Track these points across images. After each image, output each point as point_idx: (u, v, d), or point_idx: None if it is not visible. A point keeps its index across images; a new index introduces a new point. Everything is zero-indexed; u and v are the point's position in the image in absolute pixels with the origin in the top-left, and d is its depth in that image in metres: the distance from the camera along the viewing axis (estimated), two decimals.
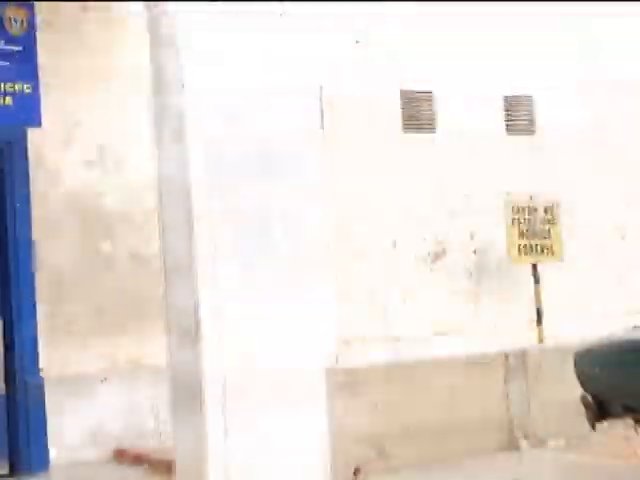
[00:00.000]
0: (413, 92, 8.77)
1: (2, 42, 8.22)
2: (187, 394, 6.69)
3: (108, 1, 8.55)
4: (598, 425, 6.39)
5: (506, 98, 9.09)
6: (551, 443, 7.74)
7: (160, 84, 6.98)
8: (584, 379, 6.39)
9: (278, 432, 6.69)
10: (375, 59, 8.46)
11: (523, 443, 7.68)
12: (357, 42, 8.38)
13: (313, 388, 6.92)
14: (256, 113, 6.91)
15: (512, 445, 7.63)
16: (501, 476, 6.91)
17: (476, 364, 7.66)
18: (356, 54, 8.38)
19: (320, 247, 7.08)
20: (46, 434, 8.14)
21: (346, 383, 7.09)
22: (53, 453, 8.17)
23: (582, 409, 6.41)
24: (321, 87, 7.51)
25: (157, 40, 6.99)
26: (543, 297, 8.75)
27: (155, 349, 8.17)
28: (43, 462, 8.09)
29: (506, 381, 7.75)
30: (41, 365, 8.20)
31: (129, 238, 8.63)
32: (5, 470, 8.07)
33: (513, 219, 8.64)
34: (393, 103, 8.62)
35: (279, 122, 7.00)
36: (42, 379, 8.19)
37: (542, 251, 8.75)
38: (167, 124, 6.88)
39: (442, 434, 7.41)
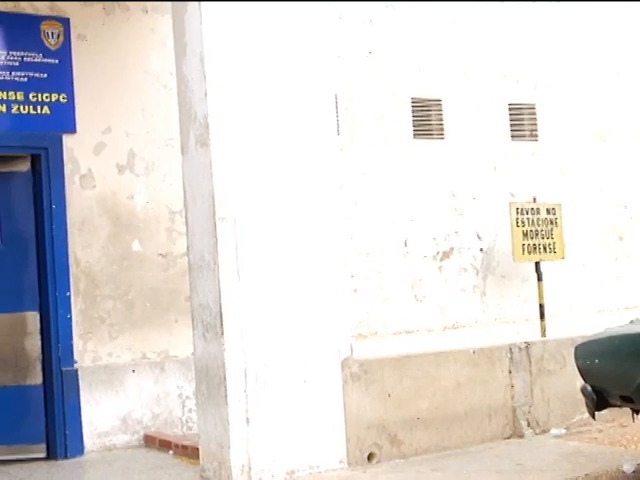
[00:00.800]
0: (423, 100, 8.76)
1: (40, 55, 8.20)
2: (211, 384, 6.73)
3: (138, 1, 8.54)
4: (598, 414, 6.40)
5: (510, 106, 9.09)
6: (553, 430, 7.72)
7: (185, 92, 7.01)
8: (584, 371, 6.40)
9: (296, 419, 6.75)
10: (387, 69, 8.46)
11: (527, 431, 7.66)
12: (370, 52, 8.39)
13: (329, 378, 6.96)
14: (277, 120, 6.95)
15: (516, 433, 7.61)
16: (506, 462, 6.89)
17: (482, 356, 7.63)
18: (369, 64, 8.38)
19: (336, 247, 7.09)
20: (80, 421, 8.15)
21: (360, 374, 7.07)
22: (87, 438, 8.19)
23: (583, 399, 6.43)
24: (336, 96, 7.51)
25: (181, 48, 7.03)
26: (545, 293, 8.77)
27: (181, 342, 8.26)
28: (78, 447, 8.10)
29: (511, 372, 7.73)
30: (75, 357, 8.22)
31: (157, 238, 8.63)
32: (43, 454, 8.10)
33: (517, 220, 8.65)
34: (404, 110, 8.62)
35: (298, 128, 7.04)
36: (76, 370, 8.20)
37: (544, 250, 8.74)
38: (192, 131, 6.93)
39: (450, 422, 7.41)
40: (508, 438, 7.63)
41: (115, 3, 8.52)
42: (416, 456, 7.19)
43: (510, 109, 9.11)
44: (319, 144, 7.15)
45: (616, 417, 7.38)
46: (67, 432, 8.10)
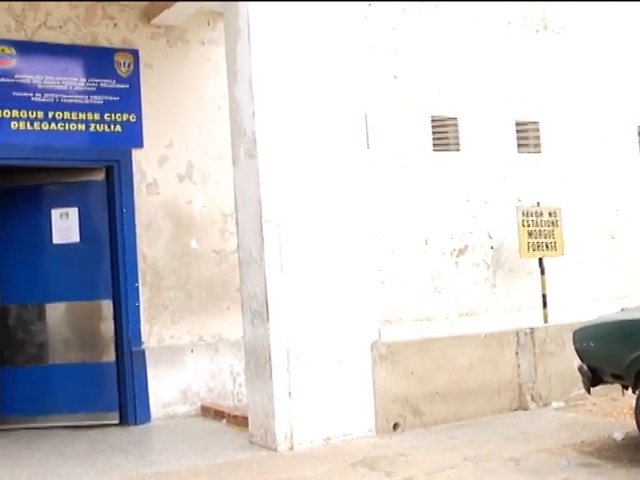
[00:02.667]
0: (441, 118, 8.72)
1: (114, 81, 8.24)
2: (258, 363, 6.77)
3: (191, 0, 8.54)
4: (592, 389, 6.40)
5: (517, 123, 9.05)
6: (554, 404, 7.72)
7: (236, 112, 7.05)
8: (581, 352, 6.39)
9: (331, 394, 6.76)
10: (410, 91, 8.45)
11: (531, 404, 7.65)
12: (395, 77, 8.38)
13: (360, 359, 6.98)
14: (315, 135, 6.96)
15: (522, 405, 7.62)
16: (513, 430, 6.91)
17: (492, 340, 7.61)
18: (394, 87, 8.38)
19: (365, 244, 7.09)
20: (147, 393, 8.19)
21: (387, 355, 7.09)
22: (153, 408, 8.22)
23: (579, 376, 6.43)
24: (366, 115, 7.54)
25: (233, 75, 7.07)
26: (547, 285, 8.71)
27: (233, 326, 8.25)
28: (145, 415, 8.14)
29: (517, 353, 7.68)
30: (143, 339, 8.25)
31: (212, 237, 8.63)
32: (116, 421, 8.15)
33: (523, 221, 8.60)
34: (425, 127, 8.59)
35: (333, 143, 7.05)
36: (144, 350, 8.22)
37: (547, 248, 8.67)
38: (242, 145, 6.97)
39: (465, 396, 7.43)
40: (515, 410, 7.62)
41: (177, 37, 8.57)
42: (435, 425, 7.21)
43: (516, 125, 9.05)
44: (351, 156, 7.15)
45: (608, 392, 7.30)
46: (136, 402, 8.13)
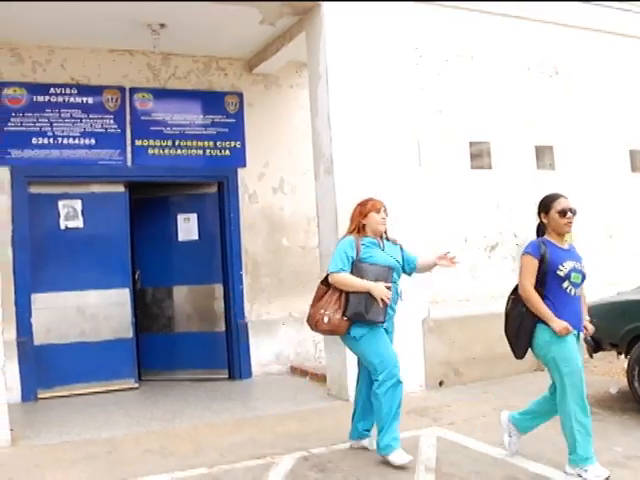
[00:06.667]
0: (477, 143, 8.57)
1: (224, 117, 8.47)
2: None
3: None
4: (594, 355, 6.48)
5: (536, 147, 8.94)
6: None
7: (317, 138, 7.17)
8: None
9: None
10: (452, 122, 8.43)
11: (546, 367, 7.70)
12: (440, 111, 8.49)
13: (413, 331, 7.09)
14: (378, 157, 7.04)
15: (540, 368, 7.54)
16: (531, 387, 6.91)
17: None
18: (440, 119, 8.45)
19: (418, 243, 7.01)
20: (249, 355, 8.40)
21: (434, 328, 7.16)
22: (254, 367, 8.44)
23: (585, 345, 6.38)
24: (418, 141, 7.66)
25: (315, 110, 7.20)
26: None
27: None
28: (248, 372, 8.37)
29: None
30: (245, 314, 8.45)
31: (298, 236, 8.80)
32: (226, 376, 8.39)
33: None
34: (464, 150, 8.52)
35: (392, 162, 7.13)
36: (247, 323, 8.43)
37: None
38: (322, 164, 7.10)
39: (495, 361, 7.46)
40: (534, 371, 7.62)
41: (272, 82, 8.72)
42: (472, 383, 7.31)
43: (536, 149, 8.92)
44: (407, 173, 7.24)
45: (606, 357, 7.31)
46: (241, 362, 8.34)
